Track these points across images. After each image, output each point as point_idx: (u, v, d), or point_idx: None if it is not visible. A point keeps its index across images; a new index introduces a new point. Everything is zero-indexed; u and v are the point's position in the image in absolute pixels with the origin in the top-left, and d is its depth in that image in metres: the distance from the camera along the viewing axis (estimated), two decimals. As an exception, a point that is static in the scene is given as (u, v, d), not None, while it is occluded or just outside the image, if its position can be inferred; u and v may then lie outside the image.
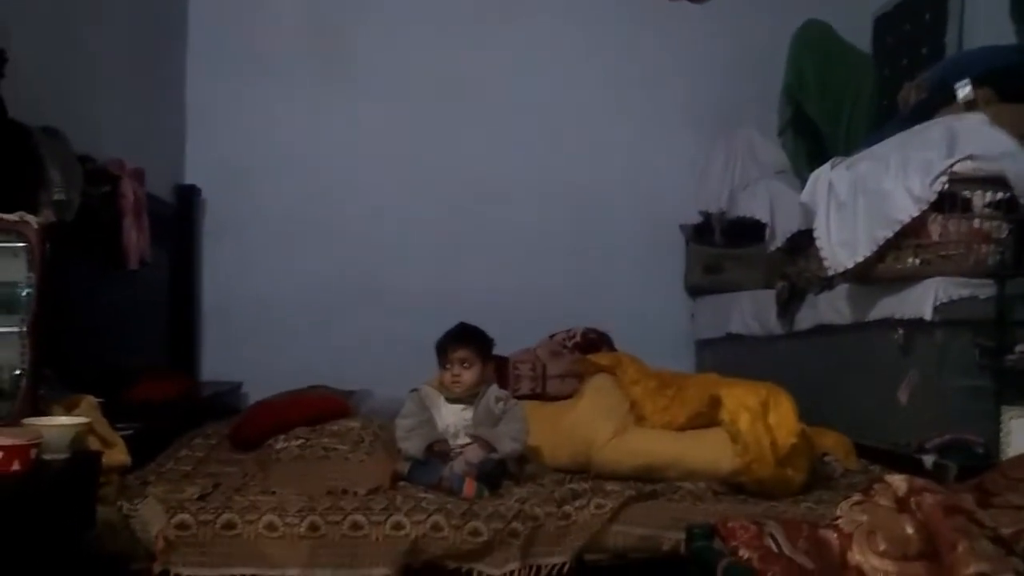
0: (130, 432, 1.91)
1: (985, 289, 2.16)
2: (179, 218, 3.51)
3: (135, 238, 2.65)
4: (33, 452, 1.36)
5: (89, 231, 2.35)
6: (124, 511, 1.74)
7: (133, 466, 1.89)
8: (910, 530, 1.22)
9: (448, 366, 2.22)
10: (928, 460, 2.09)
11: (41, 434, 1.42)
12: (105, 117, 2.77)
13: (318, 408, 2.57)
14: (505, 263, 3.67)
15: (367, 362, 3.33)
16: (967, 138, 2.24)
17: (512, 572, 1.80)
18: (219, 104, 3.61)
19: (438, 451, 2.11)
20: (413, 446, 2.11)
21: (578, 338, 3.03)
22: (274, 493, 1.89)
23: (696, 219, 3.71)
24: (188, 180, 3.61)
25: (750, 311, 3.26)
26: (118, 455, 1.77)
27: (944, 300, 2.18)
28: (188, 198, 3.57)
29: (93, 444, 1.66)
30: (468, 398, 2.22)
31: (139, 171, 2.74)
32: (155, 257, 2.89)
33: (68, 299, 2.18)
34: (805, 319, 2.86)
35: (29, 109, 2.10)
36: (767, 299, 3.07)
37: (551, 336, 3.05)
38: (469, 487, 1.95)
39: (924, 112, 2.54)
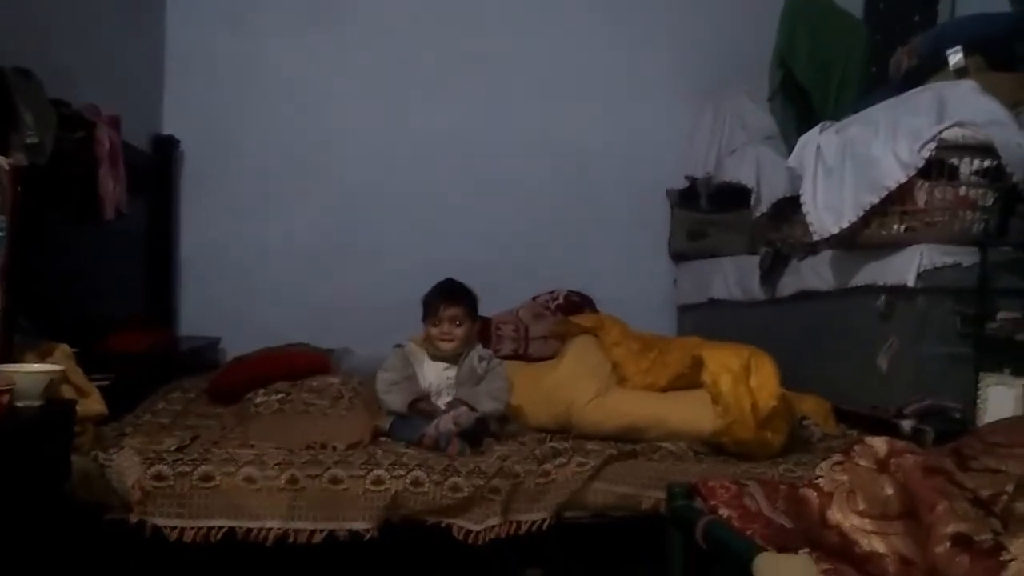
0: (106, 383, 1.87)
1: (968, 257, 2.17)
2: (157, 169, 3.43)
3: (111, 187, 2.58)
4: (5, 398, 1.33)
5: (63, 178, 2.29)
6: (100, 461, 1.72)
7: (109, 418, 1.87)
8: (890, 490, 1.23)
9: (438, 324, 2.21)
10: (906, 425, 2.11)
11: (14, 380, 1.39)
12: (80, 62, 2.68)
13: (298, 364, 2.55)
14: (489, 224, 3.64)
15: (347, 320, 3.30)
16: (956, 105, 2.23)
17: (492, 528, 1.81)
18: (200, 52, 3.51)
19: (421, 409, 2.10)
20: (396, 401, 2.10)
21: (561, 300, 3.02)
22: (253, 446, 1.87)
23: (682, 184, 3.69)
24: (166, 130, 3.52)
25: (733, 277, 3.26)
26: (93, 404, 1.74)
27: (928, 267, 2.18)
28: (166, 149, 3.49)
29: (67, 393, 1.64)
30: (451, 357, 2.20)
31: (115, 118, 2.66)
32: (132, 208, 2.81)
33: (43, 247, 2.13)
34: (787, 285, 2.86)
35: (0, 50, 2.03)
36: (750, 265, 3.06)
37: (534, 298, 3.04)
38: (453, 444, 1.95)
39: (915, 78, 2.53)
